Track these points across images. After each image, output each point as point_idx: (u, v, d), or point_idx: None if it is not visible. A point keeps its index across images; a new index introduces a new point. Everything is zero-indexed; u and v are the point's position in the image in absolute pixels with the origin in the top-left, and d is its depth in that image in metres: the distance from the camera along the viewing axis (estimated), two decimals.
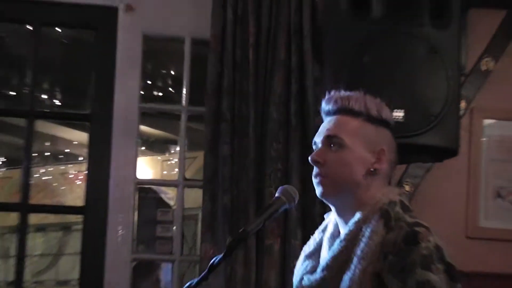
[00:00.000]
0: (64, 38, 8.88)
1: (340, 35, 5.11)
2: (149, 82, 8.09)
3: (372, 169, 3.42)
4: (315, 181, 3.46)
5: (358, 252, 3.30)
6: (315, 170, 3.44)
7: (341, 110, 3.51)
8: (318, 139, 3.47)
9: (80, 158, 11.23)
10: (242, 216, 5.33)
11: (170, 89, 9.29)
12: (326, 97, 3.61)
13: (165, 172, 11.63)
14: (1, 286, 12.34)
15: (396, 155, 3.57)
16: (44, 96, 9.76)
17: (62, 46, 9.20)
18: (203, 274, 3.09)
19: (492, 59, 5.81)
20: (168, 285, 8.95)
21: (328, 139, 3.44)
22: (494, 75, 5.77)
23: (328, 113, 3.54)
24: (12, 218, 8.66)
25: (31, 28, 6.62)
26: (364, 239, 3.32)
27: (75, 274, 6.74)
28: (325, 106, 3.56)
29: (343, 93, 3.63)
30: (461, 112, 5.21)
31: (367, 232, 3.31)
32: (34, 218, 6.76)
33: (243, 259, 5.25)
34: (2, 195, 12.38)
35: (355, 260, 3.29)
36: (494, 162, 5.82)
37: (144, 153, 7.28)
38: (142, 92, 6.13)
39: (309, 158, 3.44)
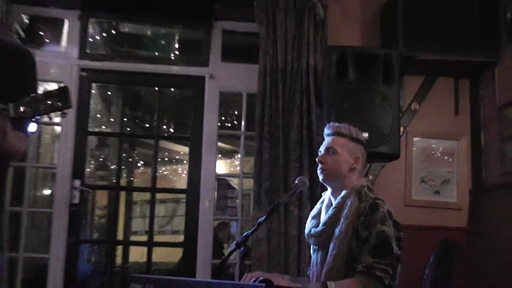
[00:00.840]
0: (175, 94, 9.27)
1: (331, 91, 5.68)
2: (223, 118, 8.23)
3: (352, 167, 3.98)
4: (319, 172, 4.04)
5: (343, 215, 3.80)
6: (319, 166, 4.03)
7: (335, 133, 4.06)
8: (322, 149, 4.07)
9: (184, 161, 11.54)
10: (275, 194, 5.94)
11: (235, 122, 9.50)
12: (327, 126, 4.16)
13: (232, 169, 11.93)
14: (141, 233, 12.58)
15: (366, 159, 4.14)
16: (164, 127, 10.24)
17: (174, 97, 9.65)
18: (253, 228, 3.95)
19: (417, 103, 6.45)
20: (234, 234, 9.31)
21: (327, 149, 4.02)
22: (419, 112, 6.46)
23: (328, 135, 4.10)
24: (147, 196, 9.37)
25: (156, 89, 7.40)
26: (347, 207, 3.82)
27: (182, 227, 7.27)
28: (326, 130, 4.13)
29: (336, 124, 4.15)
30: (401, 133, 5.87)
31: (348, 203, 3.84)
32: (159, 196, 6.99)
33: (277, 218, 5.86)
34: (141, 182, 13.04)
35: (341, 219, 3.80)
36: (419, 162, 6.43)
37: (220, 159, 7.24)
38: (219, 124, 6.78)
39: (317, 159, 4.05)
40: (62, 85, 2.94)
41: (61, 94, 2.80)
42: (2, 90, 3.12)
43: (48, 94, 2.80)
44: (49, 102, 2.78)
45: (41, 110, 2.78)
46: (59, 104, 2.78)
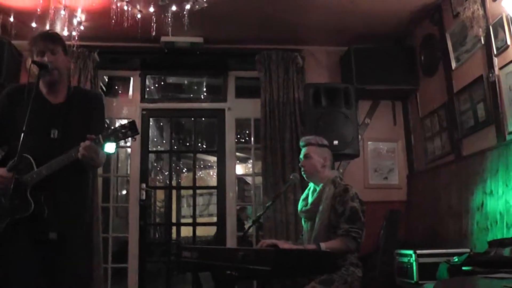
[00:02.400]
0: (205, 121, 8.80)
1: (310, 114, 5.70)
2: (238, 136, 7.58)
3: (323, 165, 3.99)
4: (302, 173, 4.08)
5: (324, 197, 3.84)
6: (302, 168, 4.06)
7: (307, 144, 4.10)
8: (301, 156, 4.09)
9: (214, 167, 11.38)
10: (277, 186, 5.91)
11: (246, 138, 9.36)
12: (301, 139, 4.23)
13: (246, 171, 11.38)
14: (187, 217, 12.45)
15: (332, 157, 4.13)
16: (199, 144, 9.99)
17: (205, 124, 9.40)
18: (264, 210, 4.14)
19: (369, 119, 6.46)
20: (250, 215, 9.29)
21: (304, 155, 4.05)
22: (370, 125, 6.46)
23: (302, 146, 4.12)
24: (190, 191, 9.19)
25: (192, 119, 7.17)
26: (326, 192, 3.85)
27: (215, 211, 7.15)
28: (301, 142, 4.17)
29: (306, 137, 4.25)
30: (359, 140, 5.92)
31: (327, 189, 3.86)
32: (198, 191, 6.87)
33: (279, 202, 5.81)
34: (186, 183, 12.71)
35: (323, 200, 3.84)
36: (372, 158, 6.41)
37: (238, 164, 7.15)
38: (236, 140, 6.69)
39: (299, 164, 4.12)
40: (131, 120, 3.00)
41: (132, 125, 2.89)
42: (89, 124, 3.16)
43: (122, 126, 2.88)
44: (124, 131, 2.87)
45: (120, 137, 2.88)
46: (131, 132, 2.87)
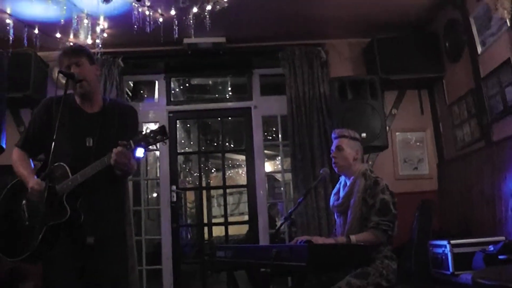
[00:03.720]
0: (232, 121, 9.08)
1: (336, 108, 5.73)
2: (265, 133, 7.92)
3: (355, 158, 3.95)
4: (333, 165, 4.03)
5: (355, 190, 3.81)
6: (333, 160, 4.02)
7: (339, 136, 4.04)
8: (333, 148, 4.04)
9: (243, 166, 11.33)
10: (307, 182, 5.88)
11: (274, 135, 9.25)
12: (333, 131, 4.16)
13: (275, 168, 11.40)
14: (218, 216, 12.50)
15: (363, 151, 4.10)
16: (227, 143, 9.83)
17: (231, 123, 9.49)
18: (295, 206, 4.03)
19: (395, 109, 6.43)
20: (281, 212, 8.98)
21: (336, 147, 4.00)
22: (397, 115, 6.43)
23: (335, 138, 4.06)
24: (220, 191, 9.58)
25: (219, 119, 7.32)
26: (357, 185, 3.82)
27: (246, 210, 7.18)
28: (333, 135, 4.11)
29: (339, 129, 4.21)
30: (387, 131, 5.85)
31: (358, 182, 3.83)
32: (228, 190, 6.96)
33: (310, 198, 5.82)
34: (215, 182, 12.77)
35: (354, 193, 3.81)
36: (401, 148, 6.36)
37: (266, 161, 7.12)
38: (263, 138, 6.67)
39: (331, 156, 4.05)
40: (159, 124, 3.18)
41: (162, 130, 2.95)
42: (123, 134, 3.17)
43: (153, 131, 2.94)
44: (154, 136, 2.93)
45: (150, 142, 2.94)
46: (161, 137, 2.92)
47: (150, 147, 2.96)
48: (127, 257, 5.68)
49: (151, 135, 2.94)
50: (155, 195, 8.55)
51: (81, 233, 3.09)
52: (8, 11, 5.11)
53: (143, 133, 2.98)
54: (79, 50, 3.34)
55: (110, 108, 3.36)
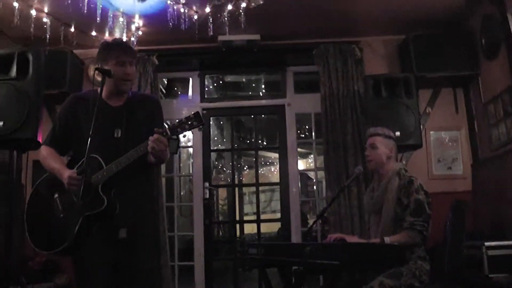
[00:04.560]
0: (265, 118, 8.74)
1: (371, 105, 5.74)
2: (299, 131, 7.73)
3: (389, 156, 3.97)
4: (368, 163, 4.11)
5: (389, 189, 3.81)
6: (367, 158, 4.08)
7: (374, 134, 4.07)
8: (367, 145, 4.08)
9: (275, 163, 11.33)
10: (340, 180, 5.85)
11: (307, 133, 9.19)
12: (368, 130, 4.23)
13: (307, 166, 11.51)
14: (250, 214, 12.54)
15: (397, 149, 4.12)
16: (260, 141, 9.92)
17: (265, 121, 9.32)
18: (328, 204, 4.16)
19: (430, 108, 6.36)
20: (314, 210, 9.15)
21: (370, 145, 4.04)
22: (431, 114, 6.37)
23: (369, 136, 4.10)
24: (252, 188, 9.48)
25: (252, 116, 7.22)
26: (391, 184, 3.82)
27: (278, 207, 7.18)
28: (368, 133, 4.15)
29: (374, 127, 4.21)
30: (421, 130, 5.81)
31: (392, 181, 3.83)
32: (260, 188, 7.00)
33: (343, 196, 5.79)
34: (248, 180, 12.83)
35: (388, 193, 3.81)
36: (435, 148, 6.29)
37: (299, 159, 7.07)
38: (296, 136, 6.66)
39: (365, 153, 4.13)
40: (195, 110, 3.17)
41: (197, 116, 3.03)
42: (150, 123, 3.27)
43: (187, 118, 3.02)
44: (190, 123, 3.00)
45: (186, 128, 3.02)
46: (196, 123, 3.01)
47: (183, 143, 3.03)
48: (159, 251, 5.83)
49: (187, 122, 3.01)
50: (187, 191, 8.59)
51: (114, 225, 3.15)
52: (45, 10, 5.18)
53: (178, 120, 3.05)
54: (134, 51, 3.44)
55: (134, 101, 3.42)
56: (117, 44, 3.41)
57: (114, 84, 3.30)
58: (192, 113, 3.04)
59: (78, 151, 3.27)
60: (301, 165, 11.62)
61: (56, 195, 3.25)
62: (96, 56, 3.41)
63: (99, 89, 3.27)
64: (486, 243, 4.52)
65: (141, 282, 3.19)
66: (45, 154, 3.37)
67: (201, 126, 3.04)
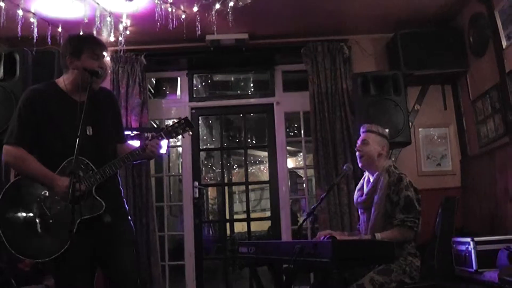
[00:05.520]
0: (254, 117, 9.07)
1: (359, 103, 5.73)
2: (287, 130, 7.54)
3: (380, 153, 3.98)
4: (358, 159, 4.05)
5: (379, 187, 3.82)
6: (358, 154, 4.05)
7: (367, 130, 4.09)
8: (358, 142, 4.08)
9: (265, 162, 11.36)
10: (330, 178, 5.90)
11: (296, 131, 9.28)
12: (362, 126, 4.18)
13: (297, 164, 11.56)
14: (240, 213, 12.56)
15: (389, 147, 4.14)
16: (249, 140, 9.86)
17: (254, 120, 9.51)
18: (318, 202, 4.05)
19: (418, 105, 6.40)
20: (304, 208, 9.19)
21: (362, 141, 4.03)
22: (420, 111, 6.40)
23: (363, 132, 4.10)
24: (242, 187, 9.45)
25: (241, 115, 7.09)
26: (381, 181, 3.83)
27: (268, 206, 7.19)
28: (361, 129, 4.13)
29: (368, 124, 4.21)
30: (410, 127, 5.85)
31: (381, 179, 3.84)
32: (250, 186, 6.99)
33: (333, 194, 5.81)
34: (237, 179, 12.72)
35: (378, 190, 3.82)
36: (424, 144, 6.34)
37: (288, 157, 7.03)
38: (285, 134, 6.64)
39: (355, 148, 4.09)
40: (183, 116, 3.37)
41: (186, 121, 3.32)
42: (115, 120, 3.49)
43: (179, 123, 3.32)
44: (181, 127, 3.29)
45: (179, 133, 3.32)
46: (188, 128, 3.32)
47: (172, 142, 3.15)
48: (149, 252, 5.82)
49: (179, 126, 3.29)
50: (177, 191, 8.57)
51: (99, 217, 3.12)
52: (32, 10, 5.11)
53: (171, 125, 3.29)
54: (106, 45, 3.38)
55: (97, 96, 3.28)
56: (92, 37, 3.42)
57: (83, 78, 3.15)
58: (182, 118, 3.32)
59: (47, 149, 3.14)
60: (291, 163, 11.63)
61: (39, 199, 3.07)
62: (63, 48, 3.32)
63: (57, 81, 3.30)
64: (476, 239, 4.54)
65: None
66: (18, 155, 3.13)
67: (191, 131, 3.34)
